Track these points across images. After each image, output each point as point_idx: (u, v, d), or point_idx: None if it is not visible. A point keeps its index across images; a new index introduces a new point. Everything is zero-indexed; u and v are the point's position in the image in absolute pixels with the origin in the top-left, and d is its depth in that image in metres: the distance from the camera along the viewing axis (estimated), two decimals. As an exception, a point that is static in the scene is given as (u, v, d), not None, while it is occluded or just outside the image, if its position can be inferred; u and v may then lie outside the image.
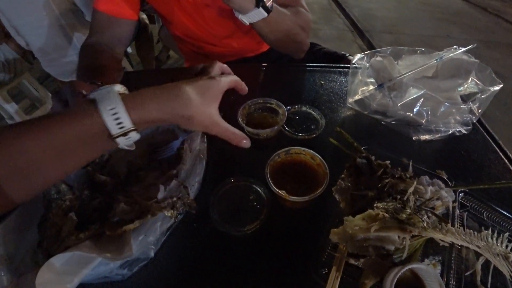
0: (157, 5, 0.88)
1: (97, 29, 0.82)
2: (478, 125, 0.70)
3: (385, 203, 0.40)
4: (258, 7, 0.65)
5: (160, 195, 0.46)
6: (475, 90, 0.64)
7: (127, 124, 0.33)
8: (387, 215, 0.38)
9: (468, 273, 0.44)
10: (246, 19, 0.68)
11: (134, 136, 0.35)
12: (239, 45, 0.99)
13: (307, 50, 0.91)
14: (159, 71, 0.99)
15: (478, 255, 0.44)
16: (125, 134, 0.34)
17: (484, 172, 0.60)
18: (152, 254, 0.45)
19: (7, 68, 2.04)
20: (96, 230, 0.45)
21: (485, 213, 0.51)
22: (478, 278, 0.43)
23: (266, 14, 0.66)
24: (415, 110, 0.60)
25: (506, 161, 0.63)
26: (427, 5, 5.83)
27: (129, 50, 2.33)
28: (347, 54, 1.09)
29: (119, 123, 0.33)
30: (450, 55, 0.70)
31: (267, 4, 0.65)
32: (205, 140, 0.58)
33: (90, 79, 0.64)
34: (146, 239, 0.44)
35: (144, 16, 2.23)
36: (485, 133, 0.69)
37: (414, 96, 0.59)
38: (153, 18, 2.53)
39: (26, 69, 2.18)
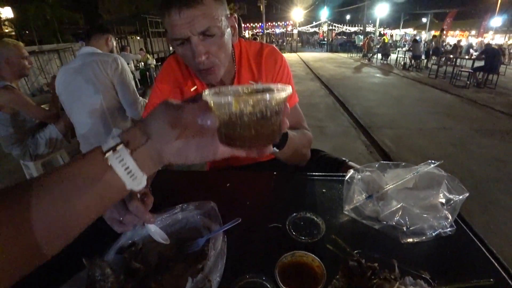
0: None
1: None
2: (463, 225, 0.81)
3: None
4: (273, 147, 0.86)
5: (188, 286, 0.57)
6: (446, 199, 0.78)
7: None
8: (372, 312, 0.48)
9: None
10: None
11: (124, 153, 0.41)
12: None
13: (311, 156, 1.11)
14: (187, 172, 1.19)
15: None
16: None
17: (468, 270, 0.67)
18: None
19: (49, 145, 2.29)
20: None
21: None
22: None
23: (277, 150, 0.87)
24: (395, 218, 0.73)
25: (491, 259, 0.70)
26: (421, 101, 6.42)
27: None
28: (347, 160, 1.28)
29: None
30: (425, 169, 0.86)
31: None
32: (226, 239, 0.71)
33: None
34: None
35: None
36: (469, 233, 0.78)
37: (393, 208, 0.74)
38: None
39: (63, 146, 2.41)
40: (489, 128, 4.57)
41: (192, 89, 1.11)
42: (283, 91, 0.38)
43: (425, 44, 14.76)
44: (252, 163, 1.29)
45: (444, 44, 12.08)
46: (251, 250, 0.74)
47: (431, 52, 12.27)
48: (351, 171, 0.89)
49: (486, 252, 0.73)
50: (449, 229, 0.77)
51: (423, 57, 12.59)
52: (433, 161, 0.89)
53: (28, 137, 2.20)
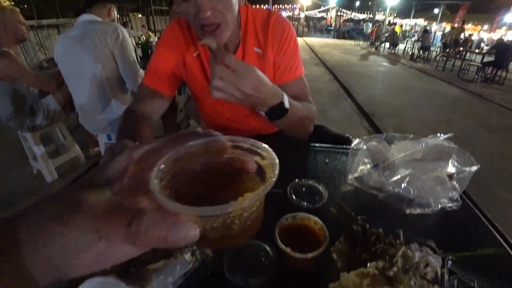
0: (193, 87, 1.11)
1: (141, 98, 1.04)
2: (468, 201, 0.78)
3: (376, 263, 0.48)
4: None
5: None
6: (455, 171, 0.74)
7: None
8: (377, 272, 0.46)
9: None
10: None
11: None
12: (256, 124, 1.18)
13: (314, 131, 1.08)
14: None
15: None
16: None
17: (472, 244, 0.65)
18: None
19: (46, 116, 2.25)
20: (122, 267, 0.51)
21: (476, 280, 0.56)
22: None
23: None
24: (402, 186, 0.70)
25: (496, 234, 0.68)
26: (427, 92, 6.32)
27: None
28: (351, 137, 1.24)
29: None
30: (434, 141, 0.83)
31: (285, 106, 0.83)
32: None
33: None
34: (166, 279, 0.50)
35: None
36: (474, 209, 0.77)
37: (400, 176, 0.70)
38: (180, 90, 2.88)
39: (62, 118, 2.38)
40: (493, 124, 4.51)
41: (194, 54, 1.06)
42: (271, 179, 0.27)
43: (443, 36, 14.39)
44: (253, 135, 1.26)
45: (462, 37, 11.73)
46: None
47: (448, 44, 11.91)
48: (357, 140, 0.85)
49: (490, 227, 0.71)
50: (455, 203, 0.75)
51: (433, 48, 12.34)
52: (442, 134, 0.85)
53: (26, 108, 2.16)
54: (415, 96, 5.94)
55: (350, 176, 0.82)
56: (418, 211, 0.73)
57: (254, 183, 0.29)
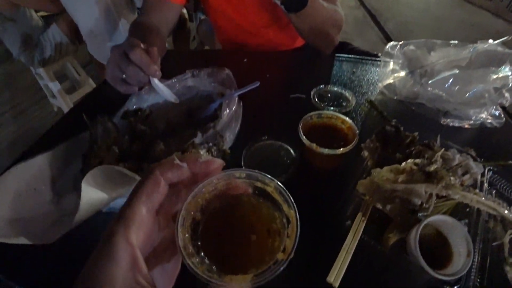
0: None
1: (149, 9, 0.91)
2: (510, 120, 0.69)
3: (413, 160, 0.42)
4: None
5: (198, 140, 0.51)
6: (508, 79, 0.64)
7: None
8: (415, 167, 0.40)
9: (495, 243, 0.44)
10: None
11: None
12: (275, 37, 1.04)
13: (339, 48, 0.94)
14: (196, 52, 1.05)
15: (506, 229, 0.44)
16: None
17: None
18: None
19: (54, 48, 2.21)
20: (135, 163, 0.49)
21: (515, 194, 0.51)
22: (506, 250, 0.43)
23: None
24: (446, 86, 0.61)
25: None
26: (467, 25, 5.63)
27: (167, 46, 2.50)
28: (380, 54, 1.11)
29: None
30: (484, 46, 0.70)
31: None
32: (241, 104, 0.62)
33: None
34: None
35: (184, 11, 2.39)
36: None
37: (446, 74, 0.60)
38: (192, 16, 2.68)
39: (71, 51, 2.32)
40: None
41: None
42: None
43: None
44: (272, 51, 1.14)
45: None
46: (270, 117, 0.66)
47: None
48: (392, 43, 0.73)
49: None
50: (497, 120, 0.66)
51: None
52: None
53: (33, 41, 2.09)
54: (452, 29, 5.30)
55: (380, 84, 0.73)
56: (455, 123, 0.65)
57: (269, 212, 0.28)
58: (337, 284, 0.35)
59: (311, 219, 0.46)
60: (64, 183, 0.49)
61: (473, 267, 0.38)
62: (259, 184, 0.28)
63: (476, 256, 0.40)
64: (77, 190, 0.43)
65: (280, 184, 0.27)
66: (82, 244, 0.38)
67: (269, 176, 0.27)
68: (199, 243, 0.25)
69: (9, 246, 0.36)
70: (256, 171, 0.28)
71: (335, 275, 0.35)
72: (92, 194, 0.38)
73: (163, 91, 0.62)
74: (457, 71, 0.60)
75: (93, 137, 0.54)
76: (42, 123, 2.53)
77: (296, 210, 0.25)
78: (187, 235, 0.24)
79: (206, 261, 0.24)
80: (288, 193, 0.26)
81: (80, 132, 0.57)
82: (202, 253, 0.25)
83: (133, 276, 0.20)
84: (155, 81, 0.61)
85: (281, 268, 0.22)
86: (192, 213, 0.26)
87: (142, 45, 0.58)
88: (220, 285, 0.22)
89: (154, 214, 0.24)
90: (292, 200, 0.26)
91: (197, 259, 0.23)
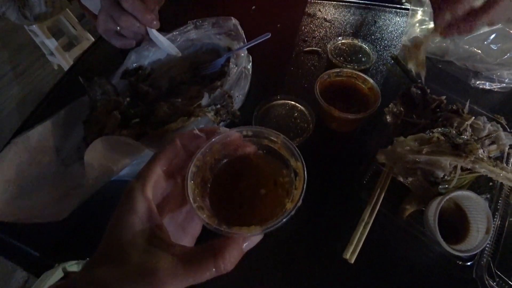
0: None
1: None
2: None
3: (442, 129, 0.38)
4: None
5: (205, 102, 0.46)
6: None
7: None
8: (442, 138, 0.37)
9: (514, 219, 0.42)
10: None
11: None
12: None
13: None
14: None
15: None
16: None
17: None
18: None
19: (44, 2, 2.06)
20: (138, 128, 0.46)
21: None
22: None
23: None
24: (485, 43, 0.54)
25: None
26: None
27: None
28: (405, 1, 0.99)
29: None
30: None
31: None
32: (251, 59, 0.56)
33: None
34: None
35: None
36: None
37: (487, 29, 0.53)
38: None
39: (65, 6, 2.20)
40: None
41: None
42: None
43: None
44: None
45: None
46: (282, 74, 0.61)
47: None
48: (424, -9, 0.64)
49: None
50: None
51: None
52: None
53: None
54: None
55: (404, 38, 0.65)
56: (486, 85, 0.59)
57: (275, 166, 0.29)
58: (353, 260, 0.33)
59: (325, 189, 0.44)
60: (68, 152, 0.47)
61: (488, 244, 0.37)
62: (265, 142, 0.29)
63: (492, 233, 0.38)
64: (82, 159, 0.41)
65: (286, 138, 0.27)
66: (93, 210, 0.37)
67: (275, 132, 0.27)
68: (208, 200, 0.27)
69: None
70: (263, 127, 0.28)
71: (351, 250, 0.33)
72: (96, 168, 0.36)
73: (163, 43, 0.57)
74: (500, 26, 0.52)
75: (92, 101, 0.50)
76: (45, 82, 2.48)
77: (303, 162, 0.26)
78: (197, 190, 0.26)
79: (216, 214, 0.25)
80: (294, 145, 0.26)
81: (79, 96, 0.52)
82: (212, 209, 0.26)
83: (149, 226, 0.23)
84: (153, 32, 0.55)
85: (289, 216, 0.23)
86: (201, 171, 0.27)
87: None
88: (231, 233, 0.22)
89: (171, 176, 0.27)
90: (299, 153, 0.26)
91: (207, 213, 0.24)
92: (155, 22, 0.54)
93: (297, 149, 0.26)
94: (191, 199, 0.24)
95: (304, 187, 0.24)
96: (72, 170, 0.46)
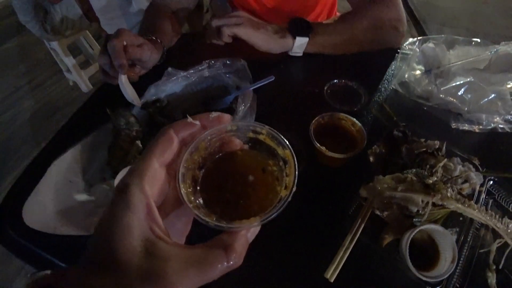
0: None
1: None
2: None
3: (415, 170, 0.45)
4: (295, 38, 0.71)
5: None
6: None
7: None
8: (415, 178, 0.43)
9: (483, 250, 0.47)
10: (297, 51, 0.74)
11: None
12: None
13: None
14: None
15: (495, 238, 0.47)
16: None
17: None
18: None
19: (66, 22, 2.18)
20: None
21: (511, 204, 0.53)
22: (491, 257, 0.46)
23: (307, 38, 0.72)
24: (459, 94, 0.62)
25: None
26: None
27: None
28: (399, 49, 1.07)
29: None
30: (506, 49, 0.69)
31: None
32: (256, 98, 0.64)
33: (149, 34, 0.74)
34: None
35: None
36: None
37: (460, 82, 0.61)
38: None
39: (85, 26, 2.30)
40: None
41: None
42: None
43: None
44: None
45: None
46: (284, 111, 0.69)
47: None
48: (410, 39, 0.72)
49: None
50: (509, 125, 0.66)
51: None
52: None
53: (42, 8, 2.05)
54: (484, 3, 4.96)
55: (395, 81, 0.73)
56: (465, 127, 0.66)
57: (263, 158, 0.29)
58: (333, 279, 0.39)
59: (312, 216, 0.50)
60: (93, 173, 0.54)
61: (456, 272, 0.42)
62: (251, 135, 0.29)
63: (461, 262, 0.44)
64: (104, 179, 0.49)
65: (271, 128, 0.27)
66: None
67: (260, 124, 0.28)
68: (201, 198, 0.26)
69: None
70: (247, 121, 0.29)
71: (332, 271, 0.40)
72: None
73: (126, 90, 0.62)
74: (472, 79, 0.60)
75: (115, 129, 0.58)
76: (59, 97, 2.56)
77: (291, 149, 0.26)
78: (189, 189, 0.25)
79: (212, 212, 0.25)
80: (280, 135, 0.27)
81: (101, 121, 0.61)
82: (206, 207, 0.26)
83: (148, 225, 0.21)
84: (122, 78, 0.61)
85: (286, 203, 0.23)
86: (191, 170, 0.26)
87: (135, 38, 0.60)
88: (233, 227, 0.22)
89: (167, 170, 0.25)
90: (286, 141, 0.26)
91: (204, 211, 0.24)
92: (125, 67, 0.58)
93: (284, 138, 0.26)
94: (186, 200, 0.23)
95: (296, 173, 0.25)
96: (95, 189, 0.53)
